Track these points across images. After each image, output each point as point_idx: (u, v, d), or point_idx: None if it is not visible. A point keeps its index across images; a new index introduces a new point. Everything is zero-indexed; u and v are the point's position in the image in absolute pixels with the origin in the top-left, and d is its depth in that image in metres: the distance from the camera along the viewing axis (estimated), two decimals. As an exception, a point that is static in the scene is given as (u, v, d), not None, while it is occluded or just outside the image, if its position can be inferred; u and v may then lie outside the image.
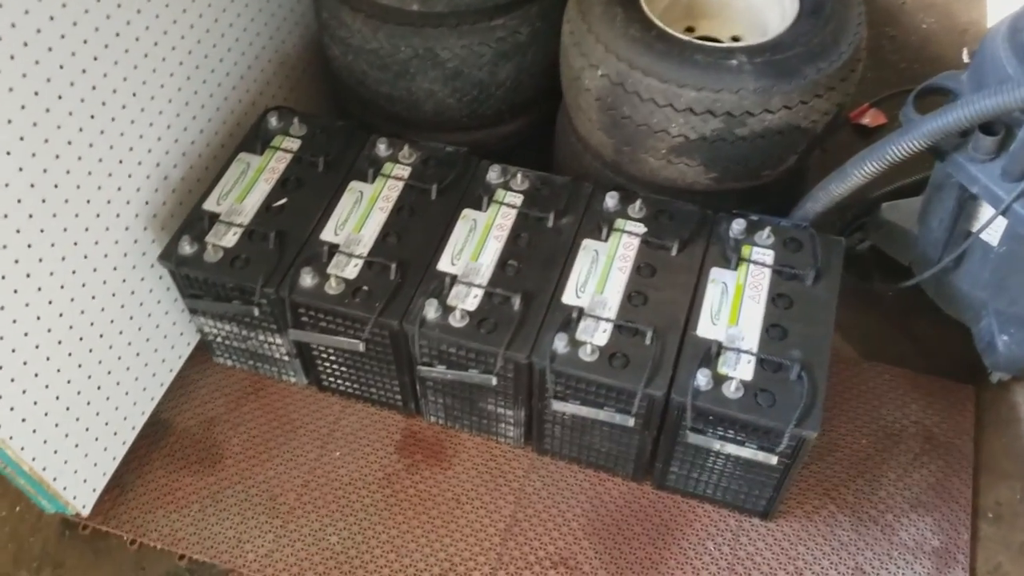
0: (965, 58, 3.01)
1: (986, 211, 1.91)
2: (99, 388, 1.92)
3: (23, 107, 1.60)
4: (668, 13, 2.17)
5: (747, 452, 1.71)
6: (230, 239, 1.95)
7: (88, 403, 1.90)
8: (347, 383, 2.11)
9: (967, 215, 1.98)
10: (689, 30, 2.23)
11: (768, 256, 1.91)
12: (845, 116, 2.84)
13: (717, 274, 1.88)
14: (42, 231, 1.69)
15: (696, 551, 1.92)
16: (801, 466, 1.81)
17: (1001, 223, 1.87)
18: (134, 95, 1.87)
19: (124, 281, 1.94)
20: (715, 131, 1.91)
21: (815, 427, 1.65)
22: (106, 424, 1.96)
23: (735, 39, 2.20)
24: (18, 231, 1.64)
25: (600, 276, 1.87)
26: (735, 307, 1.83)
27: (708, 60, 1.89)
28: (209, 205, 2.01)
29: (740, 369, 1.72)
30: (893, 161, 1.88)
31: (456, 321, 1.79)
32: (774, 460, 1.69)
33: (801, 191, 2.33)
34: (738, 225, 1.95)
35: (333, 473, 2.05)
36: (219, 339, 2.15)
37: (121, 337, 1.96)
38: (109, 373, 1.95)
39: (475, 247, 1.92)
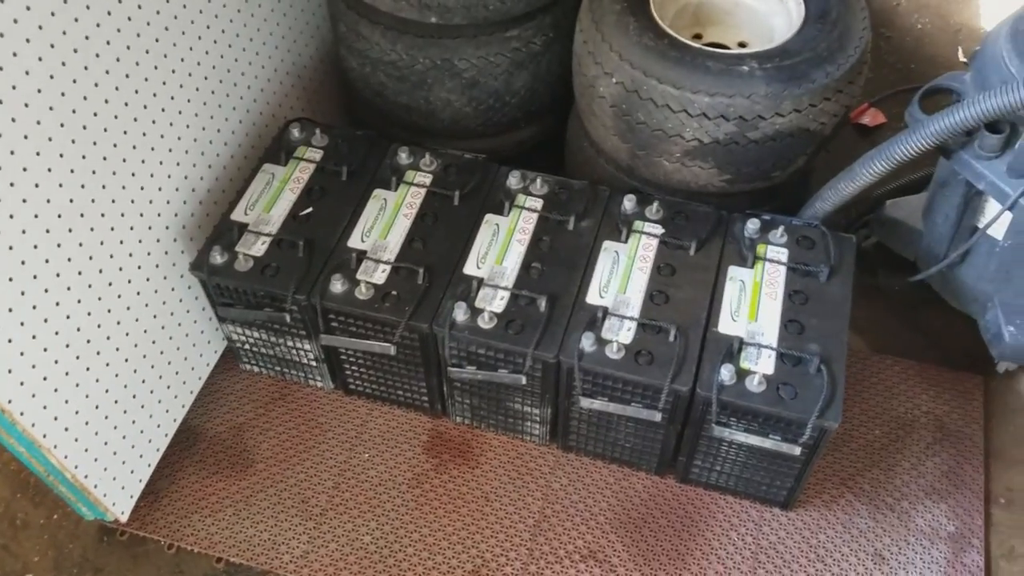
0: (961, 57, 3.08)
1: (992, 207, 1.98)
2: (134, 397, 1.97)
3: (62, 124, 1.64)
4: (676, 21, 2.23)
5: (771, 444, 1.77)
6: (259, 248, 1.99)
7: (124, 411, 1.94)
8: (374, 386, 2.16)
9: (973, 211, 2.04)
10: (696, 37, 2.29)
11: (783, 254, 1.98)
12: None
13: (735, 272, 1.95)
14: (80, 244, 1.74)
15: (720, 541, 1.98)
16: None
17: (1007, 218, 1.94)
18: (163, 110, 1.91)
19: (156, 291, 1.99)
20: (728, 135, 1.97)
21: (836, 418, 1.72)
22: (141, 432, 2.00)
23: (741, 45, 2.27)
24: (59, 245, 1.68)
25: (622, 276, 1.93)
26: (753, 304, 1.89)
27: (720, 66, 1.95)
28: (237, 216, 2.06)
29: (761, 363, 1.79)
30: (901, 160, 1.94)
31: (484, 323, 1.85)
32: (797, 451, 1.75)
33: (808, 191, 2.40)
34: (752, 224, 2.01)
35: (363, 475, 2.10)
36: (247, 346, 2.19)
37: (154, 346, 2.01)
38: (143, 382, 1.99)
39: (499, 251, 1.98)
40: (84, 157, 1.71)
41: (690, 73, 1.94)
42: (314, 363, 2.16)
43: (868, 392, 2.22)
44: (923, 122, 1.90)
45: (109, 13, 1.71)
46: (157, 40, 1.85)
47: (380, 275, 1.94)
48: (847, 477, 2.08)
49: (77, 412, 1.79)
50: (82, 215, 1.73)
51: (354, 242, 2.01)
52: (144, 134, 1.87)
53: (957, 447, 2.12)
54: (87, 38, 1.66)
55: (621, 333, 1.83)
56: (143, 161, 1.88)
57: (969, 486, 2.05)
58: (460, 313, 1.85)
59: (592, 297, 1.90)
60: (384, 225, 2.04)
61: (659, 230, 2.01)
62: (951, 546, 1.96)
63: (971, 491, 2.04)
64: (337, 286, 1.92)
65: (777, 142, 2.00)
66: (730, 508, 2.03)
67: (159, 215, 1.97)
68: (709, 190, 2.14)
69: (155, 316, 2.00)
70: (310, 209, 2.08)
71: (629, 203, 2.05)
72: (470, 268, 1.95)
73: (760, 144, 2.00)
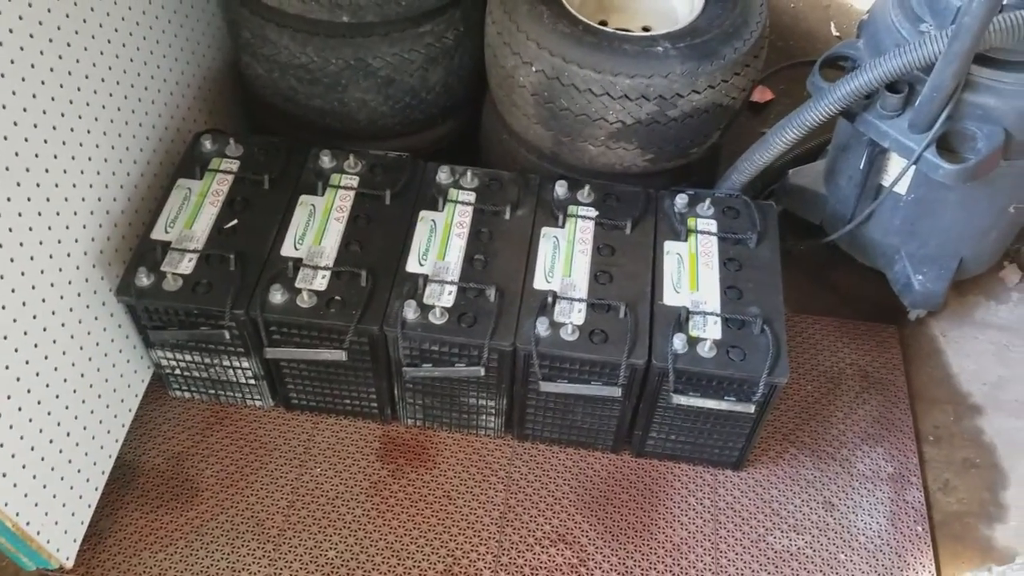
0: (834, 31, 3.27)
1: (895, 163, 2.12)
2: (68, 434, 1.85)
3: (-29, 149, 1.54)
4: (582, 9, 2.27)
5: (727, 405, 1.83)
6: (187, 266, 1.92)
7: (60, 451, 1.82)
8: (319, 398, 2.10)
9: (877, 170, 2.17)
10: (602, 24, 2.34)
11: (712, 225, 2.05)
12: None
13: (670, 246, 2.00)
14: (2, 277, 1.63)
15: (681, 508, 2.03)
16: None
17: (909, 173, 2.07)
18: (72, 130, 1.81)
19: (80, 321, 1.88)
20: (649, 114, 2.02)
21: (784, 373, 1.79)
22: (78, 471, 1.89)
23: (645, 29, 2.33)
24: (-21, 279, 1.57)
25: (565, 260, 1.95)
26: (692, 274, 1.95)
27: (636, 49, 2.00)
28: (157, 234, 1.97)
29: (709, 330, 1.85)
30: (812, 126, 2.05)
31: (436, 319, 1.83)
32: (752, 409, 1.82)
33: (718, 166, 2.49)
34: (681, 200, 2.07)
35: (317, 490, 2.04)
36: (177, 371, 2.10)
37: (82, 379, 1.90)
38: (76, 418, 1.87)
39: (440, 246, 1.97)
40: (-4, 184, 1.60)
41: (609, 57, 1.99)
42: (253, 381, 2.09)
43: (795, 351, 2.32)
44: (827, 89, 2.01)
45: (11, 31, 1.61)
46: (60, 57, 1.76)
47: (320, 281, 1.90)
48: (788, 432, 2.17)
49: (13, 456, 1.67)
50: (0, 246, 1.61)
51: (287, 250, 1.96)
52: (55, 156, 1.76)
53: (883, 393, 2.24)
54: (-10, 56, 1.56)
55: (573, 315, 1.85)
56: (56, 185, 1.77)
57: (900, 428, 2.18)
58: (410, 311, 1.83)
59: (539, 283, 1.91)
60: (316, 231, 1.99)
61: (593, 212, 2.04)
62: (892, 486, 2.08)
63: (902, 432, 2.17)
64: (277, 297, 1.86)
65: (695, 118, 2.07)
66: (686, 475, 2.08)
67: (76, 241, 1.86)
68: (632, 171, 2.19)
69: (81, 347, 1.89)
70: (235, 221, 2.01)
71: (561, 189, 2.07)
72: (412, 266, 1.93)
73: (679, 122, 2.06)
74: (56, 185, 1.77)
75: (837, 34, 3.26)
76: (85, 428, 1.91)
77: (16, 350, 1.67)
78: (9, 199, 1.63)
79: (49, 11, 1.71)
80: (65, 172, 1.80)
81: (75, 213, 1.85)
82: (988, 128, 1.93)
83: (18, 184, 1.66)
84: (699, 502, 2.04)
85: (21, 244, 1.67)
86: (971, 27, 1.71)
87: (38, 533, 1.75)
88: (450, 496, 2.03)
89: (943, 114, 1.90)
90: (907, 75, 1.93)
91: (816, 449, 2.14)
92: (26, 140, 1.67)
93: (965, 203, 2.13)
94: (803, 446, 2.15)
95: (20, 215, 1.67)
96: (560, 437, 2.09)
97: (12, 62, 1.62)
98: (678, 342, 1.80)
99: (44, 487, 1.77)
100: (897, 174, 2.08)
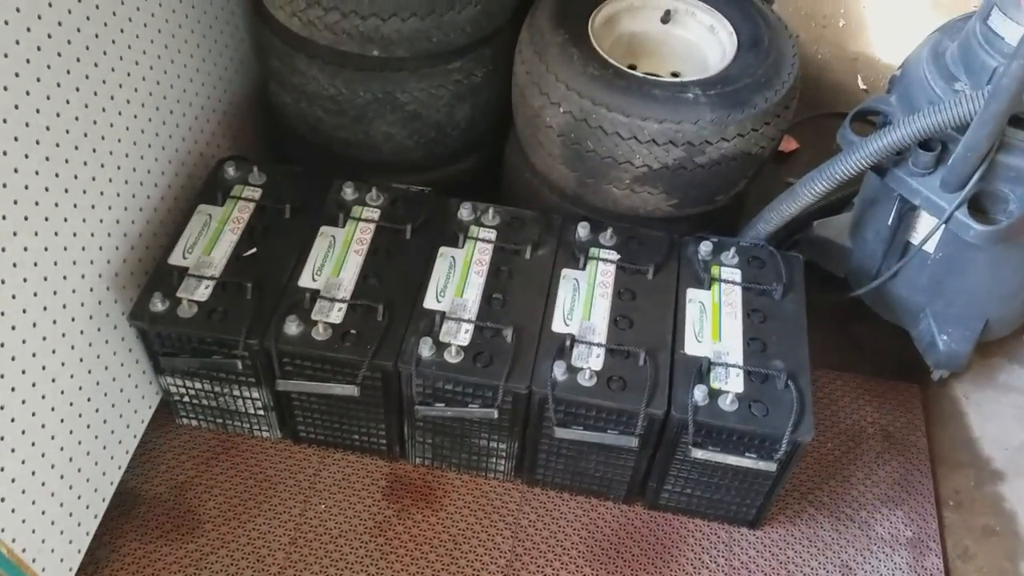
0: (860, 84, 3.25)
1: (924, 221, 2.08)
2: (71, 460, 1.81)
3: (-8, 166, 1.52)
4: (612, 52, 2.26)
5: (748, 462, 1.78)
6: (203, 292, 1.89)
7: (61, 476, 1.78)
8: (327, 432, 2.06)
9: (906, 226, 2.13)
10: (631, 67, 2.33)
11: (736, 274, 2.01)
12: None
13: (693, 294, 1.96)
14: (14, 297, 1.60)
15: (694, 566, 1.97)
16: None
17: (939, 231, 2.03)
18: (93, 151, 1.80)
19: (90, 345, 1.85)
20: (676, 160, 2.00)
21: (809, 431, 1.75)
22: (78, 497, 1.84)
23: (675, 75, 2.32)
24: (-9, 297, 1.54)
25: (584, 303, 1.92)
26: (715, 324, 1.91)
27: (666, 94, 1.99)
28: (175, 259, 1.95)
29: (731, 382, 1.80)
30: (842, 180, 2.01)
31: (451, 357, 1.80)
32: (773, 467, 1.77)
33: (742, 214, 2.46)
34: (705, 247, 2.04)
35: (321, 527, 1.99)
36: (186, 398, 2.06)
37: (89, 404, 1.86)
38: (79, 443, 1.84)
39: (458, 283, 1.93)
40: (16, 203, 1.58)
41: (638, 101, 1.97)
42: (261, 412, 2.05)
43: (816, 406, 2.27)
44: (859, 143, 1.98)
45: (39, 48, 1.60)
46: (87, 77, 1.74)
47: (337, 314, 1.87)
48: (807, 491, 2.11)
49: (14, 480, 1.63)
50: (14, 265, 1.59)
51: (305, 281, 1.93)
52: (75, 176, 1.75)
53: (904, 454, 2.19)
54: (17, 75, 1.55)
55: (591, 360, 1.81)
56: (75, 205, 1.75)
57: (920, 491, 2.12)
58: (425, 349, 1.80)
59: (557, 325, 1.88)
60: (335, 262, 1.97)
61: (615, 256, 2.01)
62: (911, 551, 2.02)
63: (923, 496, 2.11)
64: (292, 328, 1.83)
65: (722, 166, 2.05)
66: (700, 531, 2.02)
67: (92, 263, 1.83)
68: (656, 215, 2.16)
69: (89, 371, 1.86)
70: (254, 249, 1.98)
71: (583, 230, 2.04)
72: (430, 302, 1.90)
73: (707, 168, 2.04)
74: (75, 205, 1.75)
75: (864, 87, 3.25)
76: (88, 453, 1.87)
77: (23, 371, 1.64)
78: (26, 218, 1.61)
79: (79, 31, 1.70)
80: (84, 192, 1.78)
81: (92, 234, 1.82)
82: (1021, 191, 1.90)
83: (36, 203, 1.64)
84: (713, 560, 1.98)
85: (35, 264, 1.65)
86: (1008, 89, 1.68)
87: (33, 561, 1.71)
88: (456, 540, 1.98)
89: (976, 175, 1.86)
90: (940, 134, 1.90)
91: (835, 510, 2.08)
92: (47, 159, 1.65)
93: (994, 265, 2.09)
94: (821, 506, 2.09)
95: (36, 234, 1.64)
96: (571, 484, 2.04)
97: (38, 79, 1.61)
98: (699, 393, 1.76)
99: (42, 513, 1.73)
100: (926, 232, 2.04)
